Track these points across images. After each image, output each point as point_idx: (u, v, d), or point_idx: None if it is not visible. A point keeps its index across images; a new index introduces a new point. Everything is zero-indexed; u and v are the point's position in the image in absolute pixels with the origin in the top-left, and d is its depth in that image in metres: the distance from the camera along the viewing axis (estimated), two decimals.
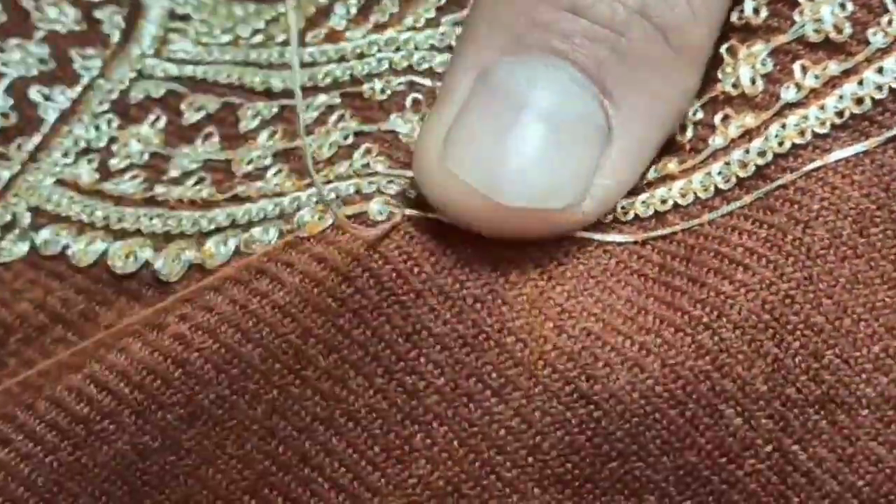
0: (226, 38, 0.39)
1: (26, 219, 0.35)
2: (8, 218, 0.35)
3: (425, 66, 0.35)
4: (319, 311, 0.31)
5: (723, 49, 0.33)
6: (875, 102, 0.32)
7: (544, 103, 0.31)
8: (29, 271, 0.35)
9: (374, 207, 0.32)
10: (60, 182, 0.36)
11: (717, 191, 0.32)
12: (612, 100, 0.31)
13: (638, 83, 0.31)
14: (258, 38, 0.38)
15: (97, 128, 0.37)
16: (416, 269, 0.31)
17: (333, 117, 0.35)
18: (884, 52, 0.32)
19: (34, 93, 0.37)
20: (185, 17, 0.39)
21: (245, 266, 0.32)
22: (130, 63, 0.38)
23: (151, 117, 0.37)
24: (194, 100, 0.37)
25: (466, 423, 0.31)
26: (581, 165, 0.31)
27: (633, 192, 0.32)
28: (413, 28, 0.36)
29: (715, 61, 0.33)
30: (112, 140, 0.37)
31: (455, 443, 0.31)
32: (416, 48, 0.35)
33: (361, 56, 0.36)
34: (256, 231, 0.33)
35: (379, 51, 0.35)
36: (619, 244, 0.32)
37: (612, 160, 0.31)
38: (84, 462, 0.31)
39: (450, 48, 0.35)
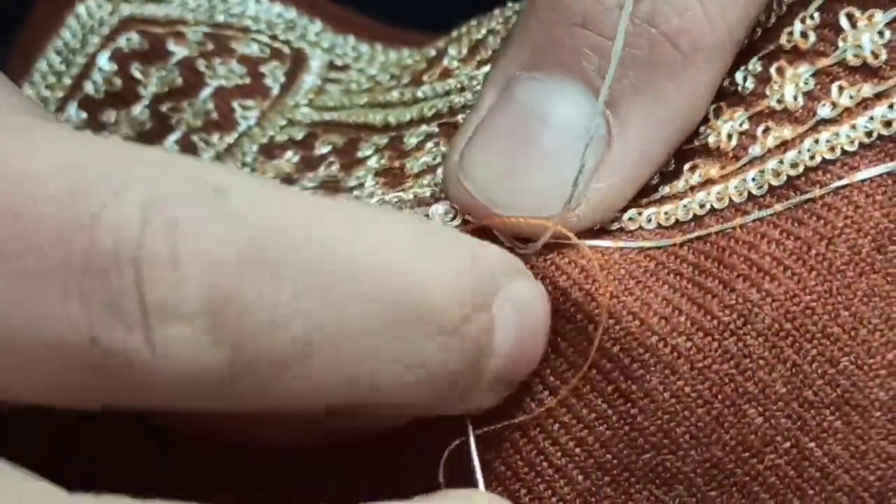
0: (368, 84, 0.44)
1: None
2: None
3: None
4: None
5: (773, 69, 0.36)
6: None
7: (551, 118, 0.33)
8: None
9: (439, 208, 0.36)
10: None
11: (751, 196, 0.35)
12: (616, 109, 0.33)
13: (643, 89, 0.33)
14: (392, 83, 0.43)
15: (243, 164, 0.42)
16: None
17: (430, 144, 0.39)
18: None
19: (197, 139, 0.43)
20: (343, 68, 0.45)
21: None
22: (283, 112, 0.43)
23: (289, 154, 0.42)
24: (325, 138, 0.42)
25: (525, 416, 0.35)
26: (576, 174, 0.33)
27: (678, 197, 0.36)
28: None
29: (764, 80, 0.36)
30: (253, 171, 0.42)
31: (516, 434, 0.35)
32: None
33: (462, 90, 0.40)
34: None
35: (477, 84, 0.40)
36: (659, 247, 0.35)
37: (609, 166, 0.34)
38: None
39: None
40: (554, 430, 0.35)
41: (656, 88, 0.34)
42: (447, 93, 0.41)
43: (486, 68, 0.40)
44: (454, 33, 0.43)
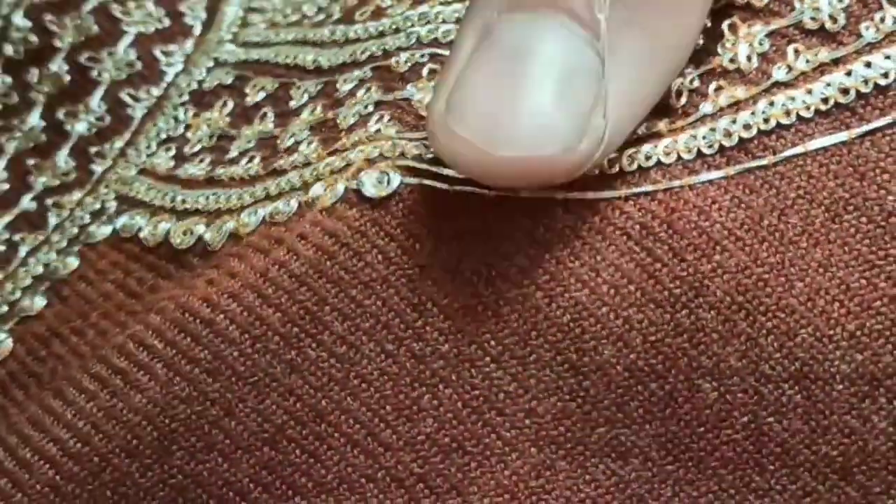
0: (294, 17, 0.41)
1: (112, 207, 0.39)
2: (97, 206, 0.39)
3: (450, 38, 0.36)
4: (333, 282, 0.34)
5: (724, 25, 0.34)
6: (859, 95, 0.33)
7: (541, 56, 0.31)
8: (112, 253, 0.39)
9: (365, 180, 0.34)
10: (143, 171, 0.40)
11: (700, 154, 0.34)
12: (608, 44, 0.32)
13: (635, 25, 0.32)
14: (320, 17, 0.41)
15: (176, 119, 0.40)
16: (418, 245, 0.34)
17: (362, 90, 0.37)
18: (873, 46, 0.33)
19: (125, 95, 0.41)
20: None
21: (265, 236, 0.35)
22: (209, 52, 0.41)
23: (220, 102, 0.40)
24: (257, 82, 0.40)
25: (469, 386, 0.34)
26: (577, 110, 0.32)
27: (621, 146, 0.34)
28: (444, 2, 0.37)
29: (715, 36, 0.35)
30: (187, 127, 0.40)
31: (459, 404, 0.34)
32: (444, 21, 0.37)
33: (396, 31, 0.38)
34: (280, 203, 0.36)
35: (412, 25, 0.37)
36: (604, 200, 0.33)
37: (607, 101, 0.32)
38: (119, 407, 0.35)
39: None
40: (499, 399, 0.34)
41: (645, 24, 0.32)
42: (381, 34, 0.38)
43: (422, 8, 0.38)
44: None
